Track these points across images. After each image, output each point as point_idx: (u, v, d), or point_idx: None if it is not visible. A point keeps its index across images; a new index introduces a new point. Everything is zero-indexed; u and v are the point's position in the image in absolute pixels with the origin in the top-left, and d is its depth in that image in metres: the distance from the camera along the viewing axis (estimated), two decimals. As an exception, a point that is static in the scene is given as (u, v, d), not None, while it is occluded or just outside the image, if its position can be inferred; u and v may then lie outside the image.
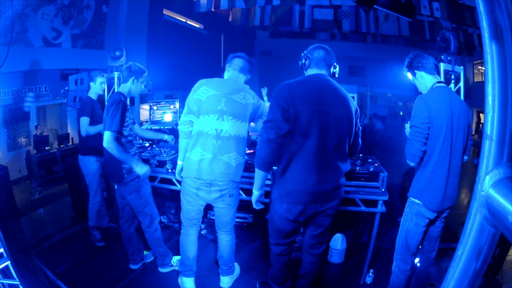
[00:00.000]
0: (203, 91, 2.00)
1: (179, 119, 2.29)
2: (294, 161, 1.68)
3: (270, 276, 2.11)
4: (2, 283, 1.89)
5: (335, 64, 1.79)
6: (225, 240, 2.26)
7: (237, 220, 3.38)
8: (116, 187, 2.49)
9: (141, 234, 2.62)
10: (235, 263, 2.49)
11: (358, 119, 1.84)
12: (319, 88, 1.70)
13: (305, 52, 1.82)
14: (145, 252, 2.68)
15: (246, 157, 2.17)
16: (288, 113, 1.62)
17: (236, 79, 2.11)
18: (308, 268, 2.05)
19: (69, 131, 6.84)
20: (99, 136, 2.96)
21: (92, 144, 2.94)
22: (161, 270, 2.56)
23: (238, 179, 2.08)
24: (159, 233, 2.48)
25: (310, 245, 1.98)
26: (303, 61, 1.80)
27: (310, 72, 1.79)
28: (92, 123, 2.85)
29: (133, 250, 2.56)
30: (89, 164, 2.98)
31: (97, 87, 2.97)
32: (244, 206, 3.33)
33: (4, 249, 1.89)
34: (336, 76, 1.82)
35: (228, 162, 1.98)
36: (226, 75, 2.14)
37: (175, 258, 2.59)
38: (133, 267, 2.59)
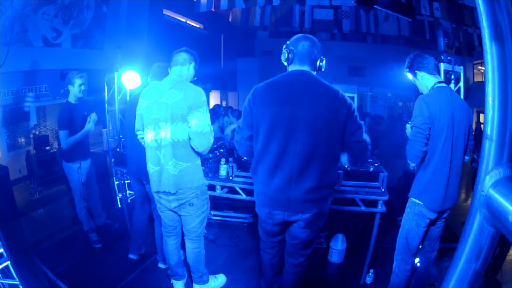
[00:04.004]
0: (141, 104, 1.96)
1: None
2: (260, 163, 1.65)
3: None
4: (2, 283, 1.89)
5: (321, 57, 1.65)
6: (189, 248, 2.18)
7: (237, 220, 3.39)
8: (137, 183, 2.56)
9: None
10: (222, 275, 2.46)
11: (352, 120, 1.58)
12: (288, 87, 1.58)
13: (288, 43, 1.66)
14: None
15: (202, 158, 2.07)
16: (251, 117, 1.63)
17: (177, 76, 1.94)
18: (285, 277, 1.94)
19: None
20: (82, 142, 2.85)
21: (75, 151, 2.84)
22: (161, 265, 2.60)
23: (191, 185, 1.93)
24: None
25: (288, 252, 1.87)
26: (287, 55, 1.64)
27: (291, 68, 1.65)
28: (72, 132, 2.73)
29: (139, 239, 2.67)
30: (72, 172, 2.91)
31: (76, 90, 2.75)
32: (244, 206, 3.34)
33: (4, 249, 1.89)
34: (323, 70, 1.67)
35: (170, 170, 1.89)
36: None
37: None
38: (132, 257, 2.68)
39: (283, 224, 1.75)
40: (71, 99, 2.80)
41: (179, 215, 2.11)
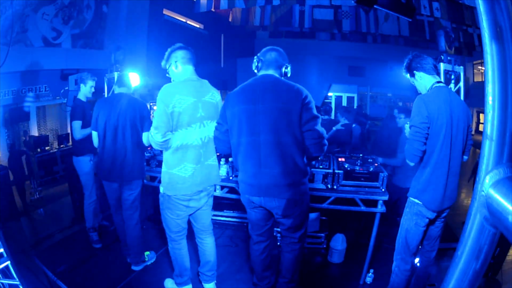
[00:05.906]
0: (179, 100, 1.80)
1: None
2: (238, 154, 1.87)
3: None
4: (2, 283, 1.88)
5: (286, 64, 1.88)
6: (210, 242, 2.20)
7: (237, 220, 3.39)
8: (113, 188, 2.53)
9: (144, 234, 2.64)
10: None
11: (306, 110, 1.72)
12: (253, 88, 1.82)
13: (258, 55, 1.90)
14: (147, 253, 2.69)
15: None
16: (225, 115, 1.87)
17: (194, 75, 1.96)
18: (282, 259, 2.07)
19: (69, 131, 6.83)
20: (90, 136, 2.93)
21: (86, 145, 2.89)
22: (135, 268, 2.58)
23: None
24: (140, 230, 2.59)
25: (281, 235, 2.08)
26: (256, 64, 1.89)
27: (260, 73, 1.88)
28: (84, 125, 2.82)
29: (135, 249, 2.58)
30: (84, 164, 2.96)
31: (87, 89, 2.91)
32: (244, 206, 3.33)
33: (4, 249, 1.89)
34: (288, 75, 1.90)
35: (214, 164, 2.04)
36: (181, 74, 1.92)
37: (146, 254, 2.68)
38: (134, 268, 2.60)
39: (262, 209, 1.92)
40: (82, 97, 2.93)
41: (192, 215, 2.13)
